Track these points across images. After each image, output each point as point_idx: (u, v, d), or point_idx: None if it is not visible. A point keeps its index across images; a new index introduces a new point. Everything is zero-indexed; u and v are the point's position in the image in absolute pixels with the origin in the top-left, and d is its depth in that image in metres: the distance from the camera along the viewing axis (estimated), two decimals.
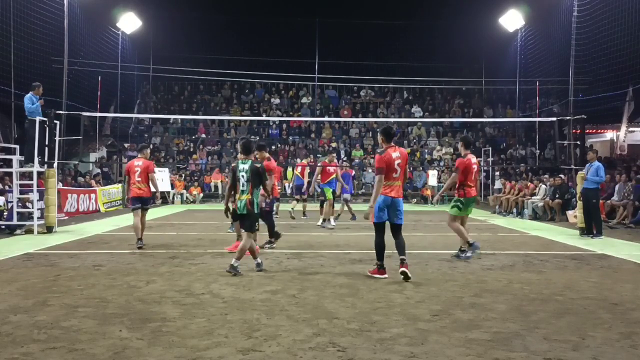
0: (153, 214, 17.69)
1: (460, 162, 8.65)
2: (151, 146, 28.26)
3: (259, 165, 7.30)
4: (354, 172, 17.67)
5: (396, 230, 6.92)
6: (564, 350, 4.19)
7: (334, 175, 13.26)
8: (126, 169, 10.13)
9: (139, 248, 9.37)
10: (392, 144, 6.98)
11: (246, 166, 7.21)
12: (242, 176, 7.18)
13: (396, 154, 6.89)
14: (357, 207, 22.65)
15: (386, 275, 6.83)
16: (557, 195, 15.80)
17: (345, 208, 14.84)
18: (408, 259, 8.37)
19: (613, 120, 22.56)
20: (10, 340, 4.34)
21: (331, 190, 13.25)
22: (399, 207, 6.87)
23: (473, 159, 8.70)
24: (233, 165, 7.50)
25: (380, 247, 6.92)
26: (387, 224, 6.96)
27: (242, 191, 7.19)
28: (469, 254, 8.50)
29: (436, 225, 13.98)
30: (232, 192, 7.42)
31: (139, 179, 9.72)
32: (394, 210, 6.83)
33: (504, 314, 5.22)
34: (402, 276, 6.64)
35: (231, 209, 7.46)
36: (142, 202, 9.80)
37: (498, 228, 13.90)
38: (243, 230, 7.53)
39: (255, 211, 7.20)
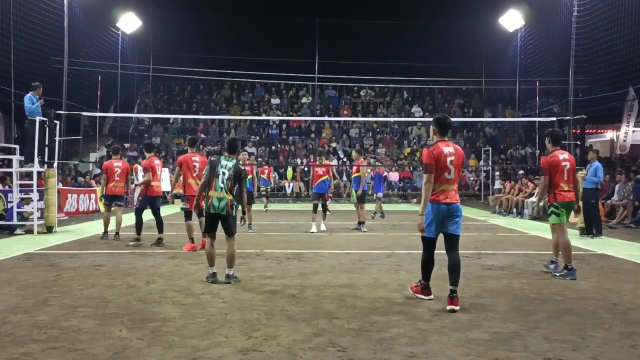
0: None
1: (544, 161, 7.33)
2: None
3: (242, 167, 6.87)
4: (385, 173, 17.56)
5: (452, 242, 5.56)
6: (564, 350, 4.19)
7: (325, 177, 12.44)
8: (105, 168, 11.02)
9: (115, 239, 10.43)
10: (446, 138, 5.68)
11: (230, 164, 6.69)
12: (223, 173, 6.61)
13: (449, 149, 5.55)
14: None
15: (432, 297, 5.68)
16: None
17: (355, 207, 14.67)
18: (410, 260, 8.43)
19: (613, 120, 22.58)
20: (10, 340, 4.33)
21: (354, 192, 12.86)
22: (457, 214, 5.53)
23: (562, 156, 7.29)
24: (213, 158, 6.84)
25: (428, 264, 5.68)
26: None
27: (221, 188, 6.58)
28: (551, 267, 7.42)
29: None
30: (207, 188, 6.83)
31: (118, 178, 10.74)
32: (450, 218, 5.50)
33: (504, 314, 5.21)
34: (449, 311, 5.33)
35: (204, 205, 6.81)
36: (118, 200, 10.93)
37: (498, 228, 13.90)
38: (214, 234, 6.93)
39: (234, 214, 6.66)
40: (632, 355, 4.12)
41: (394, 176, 25.47)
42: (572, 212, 7.39)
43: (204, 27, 29.02)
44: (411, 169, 26.17)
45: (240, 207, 6.90)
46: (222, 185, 6.61)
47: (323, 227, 12.48)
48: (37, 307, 5.37)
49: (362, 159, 13.83)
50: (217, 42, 29.20)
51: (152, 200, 10.07)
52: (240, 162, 12.55)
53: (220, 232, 6.75)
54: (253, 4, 30.42)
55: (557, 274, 7.17)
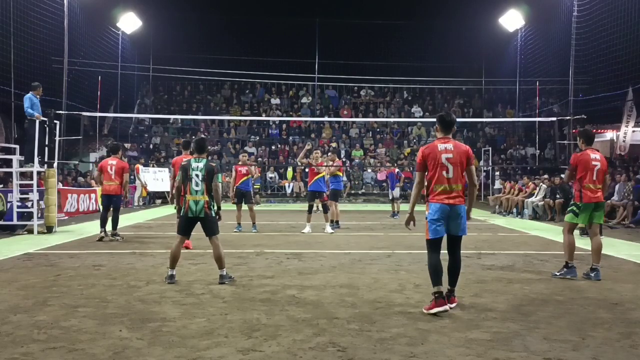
0: (153, 213, 17.71)
1: (574, 157, 7.15)
2: (151, 146, 28.43)
3: (214, 165, 6.80)
4: (397, 170, 17.77)
5: (455, 243, 5.47)
6: (564, 350, 4.19)
7: (321, 175, 12.36)
8: (99, 167, 11.24)
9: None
10: (449, 135, 5.47)
11: (201, 164, 6.62)
12: (196, 175, 6.55)
13: (446, 146, 5.34)
14: (357, 207, 22.70)
15: (447, 307, 5.19)
16: (557, 195, 15.80)
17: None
18: (410, 260, 8.43)
19: (613, 120, 22.58)
20: (10, 340, 4.34)
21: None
22: (461, 214, 5.34)
23: (593, 155, 7.07)
24: (184, 163, 6.81)
25: (435, 269, 5.30)
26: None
27: (196, 191, 6.54)
28: (557, 273, 7.17)
29: None
30: (181, 192, 6.77)
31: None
32: (454, 219, 5.33)
33: (504, 314, 5.21)
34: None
35: (182, 209, 6.70)
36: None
37: (498, 228, 13.90)
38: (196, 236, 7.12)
39: (212, 214, 6.60)
40: (632, 355, 4.12)
41: (407, 174, 25.21)
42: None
43: (204, 27, 29.04)
44: (411, 169, 26.15)
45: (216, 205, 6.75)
46: (196, 188, 6.57)
47: (329, 229, 12.31)
48: (37, 307, 5.37)
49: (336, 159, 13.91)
50: (217, 42, 29.22)
51: (105, 197, 10.96)
52: (240, 163, 12.71)
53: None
54: (253, 4, 30.44)
55: (557, 273, 7.14)
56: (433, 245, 5.35)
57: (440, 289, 5.21)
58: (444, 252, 5.42)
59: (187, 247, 9.24)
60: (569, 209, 7.30)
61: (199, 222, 6.70)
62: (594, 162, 7.00)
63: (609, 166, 18.30)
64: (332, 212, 13.03)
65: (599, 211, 7.11)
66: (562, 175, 16.55)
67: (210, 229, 6.65)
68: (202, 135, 7.96)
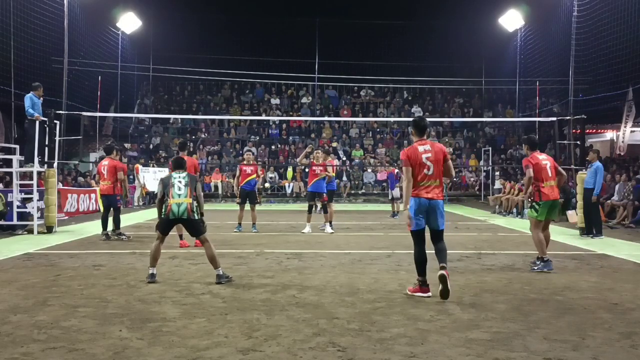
0: (153, 213, 17.69)
1: (526, 160, 7.79)
2: (151, 146, 28.44)
3: (195, 175, 7.26)
4: (396, 171, 17.82)
5: (436, 237, 5.97)
6: (564, 350, 4.19)
7: (321, 177, 12.21)
8: (97, 171, 11.94)
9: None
10: (424, 137, 6.06)
11: (182, 174, 6.82)
12: (179, 181, 6.70)
13: (424, 147, 5.93)
14: (357, 207, 22.71)
15: (430, 294, 5.84)
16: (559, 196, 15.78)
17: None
18: (410, 260, 8.42)
19: (613, 120, 22.57)
20: (10, 340, 4.34)
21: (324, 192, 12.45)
22: (439, 210, 5.91)
23: (540, 156, 7.84)
24: (163, 177, 7.04)
25: (420, 259, 5.95)
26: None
27: (179, 195, 6.64)
28: (535, 268, 7.61)
29: None
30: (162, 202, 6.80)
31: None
32: (433, 213, 5.89)
33: (504, 314, 5.21)
34: (440, 282, 5.66)
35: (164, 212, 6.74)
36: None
37: (498, 228, 13.89)
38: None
39: (196, 217, 6.69)
40: (632, 355, 4.12)
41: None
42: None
43: (204, 27, 29.06)
44: None
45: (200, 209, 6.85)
46: (179, 192, 6.67)
47: (329, 229, 12.25)
48: (37, 307, 5.37)
49: (329, 159, 13.77)
50: (217, 42, 29.20)
51: (103, 198, 11.22)
52: (245, 162, 12.71)
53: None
54: (253, 4, 30.44)
55: (535, 268, 7.57)
56: (416, 236, 5.97)
57: (424, 279, 5.93)
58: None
59: (184, 246, 9.32)
60: (529, 207, 8.06)
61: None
62: (544, 162, 7.80)
63: (610, 165, 18.45)
64: (330, 212, 13.00)
65: (555, 208, 7.97)
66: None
67: (196, 230, 6.76)
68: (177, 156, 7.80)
